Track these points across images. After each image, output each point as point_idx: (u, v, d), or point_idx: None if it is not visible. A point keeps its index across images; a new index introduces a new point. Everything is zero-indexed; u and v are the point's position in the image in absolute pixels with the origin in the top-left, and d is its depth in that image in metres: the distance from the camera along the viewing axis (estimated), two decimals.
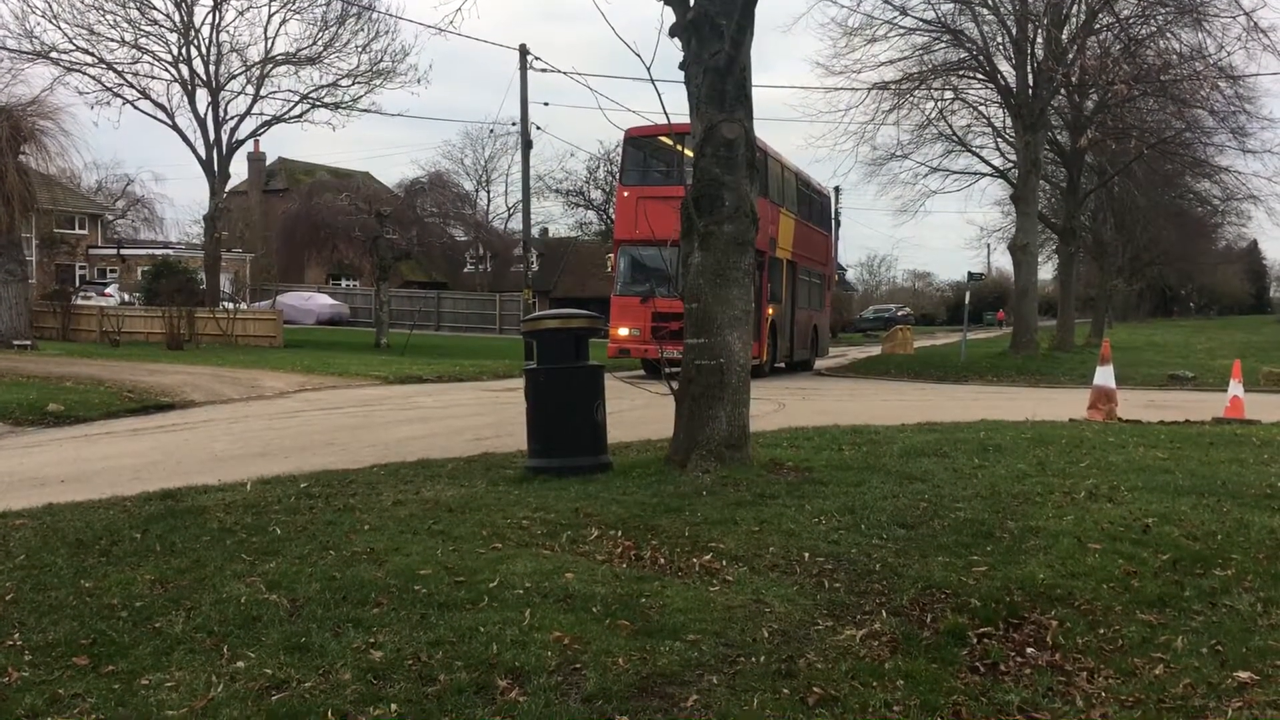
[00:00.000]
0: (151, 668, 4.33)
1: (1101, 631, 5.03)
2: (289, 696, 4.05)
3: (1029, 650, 4.86)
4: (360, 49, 36.85)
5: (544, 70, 55.04)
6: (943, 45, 29.91)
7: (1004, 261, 67.10)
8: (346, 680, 4.19)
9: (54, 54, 34.24)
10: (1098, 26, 28.97)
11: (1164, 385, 23.45)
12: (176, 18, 35.88)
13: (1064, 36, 28.72)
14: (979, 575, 5.70)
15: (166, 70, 36.27)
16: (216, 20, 36.29)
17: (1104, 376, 14.31)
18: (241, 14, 40.46)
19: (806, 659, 4.56)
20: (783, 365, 27.42)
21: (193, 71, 36.41)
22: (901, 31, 28.94)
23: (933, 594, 5.47)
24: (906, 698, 4.23)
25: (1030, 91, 29.15)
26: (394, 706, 3.98)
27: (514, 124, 38.22)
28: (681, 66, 8.72)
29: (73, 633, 4.69)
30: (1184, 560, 5.93)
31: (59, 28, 34.34)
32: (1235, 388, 14.79)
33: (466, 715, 3.94)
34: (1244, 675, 4.48)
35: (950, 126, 32.67)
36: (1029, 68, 29.22)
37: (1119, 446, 9.86)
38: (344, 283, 59.15)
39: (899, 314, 71.25)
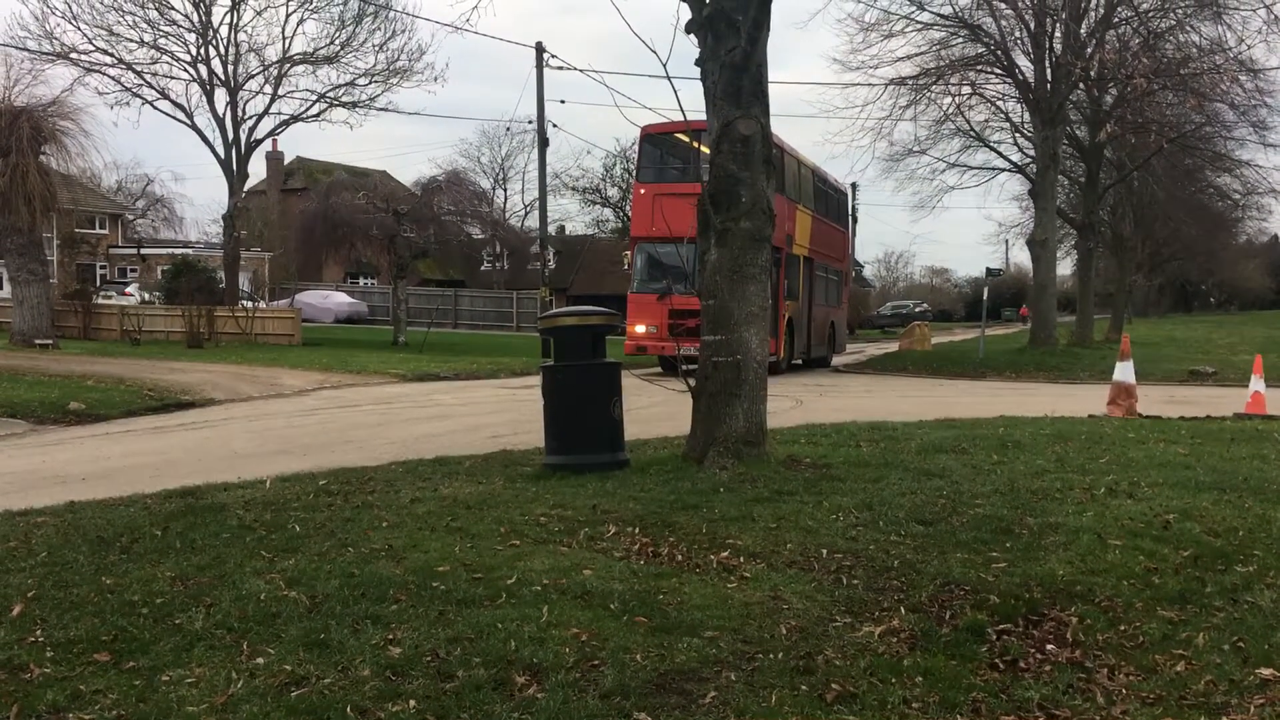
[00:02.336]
0: (172, 664, 4.35)
1: (1122, 628, 5.00)
2: (308, 693, 4.07)
3: (1049, 647, 4.84)
4: (377, 48, 36.93)
5: (560, 68, 55.06)
6: (960, 40, 29.77)
7: (1023, 257, 66.83)
8: (365, 676, 4.20)
9: (74, 55, 34.39)
10: (1117, 20, 28.80)
11: (1184, 381, 23.27)
12: (195, 18, 36.03)
13: (1083, 30, 28.55)
14: (998, 572, 5.68)
15: (185, 70, 36.43)
16: (234, 20, 36.43)
17: (1124, 372, 14.22)
18: (259, 14, 40.36)
19: (825, 655, 4.55)
20: (800, 362, 27.37)
21: (211, 71, 36.55)
22: (919, 27, 28.85)
23: (952, 590, 5.46)
24: (926, 694, 4.22)
25: (1049, 86, 28.98)
26: (412, 703, 3.99)
27: (530, 122, 38.34)
28: (698, 63, 8.71)
29: (94, 629, 4.71)
30: (1205, 556, 5.89)
31: (79, 29, 34.51)
32: (1257, 383, 14.69)
33: (485, 712, 3.95)
34: (1266, 672, 4.45)
35: (968, 122, 32.54)
36: (1047, 62, 29.04)
37: (1139, 442, 9.80)
38: (362, 281, 59.35)
39: (917, 310, 71.03)
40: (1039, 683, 4.44)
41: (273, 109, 37.83)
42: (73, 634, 4.67)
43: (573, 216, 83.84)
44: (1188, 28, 27.99)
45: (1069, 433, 10.47)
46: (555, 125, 42.80)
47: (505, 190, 69.42)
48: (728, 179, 8.42)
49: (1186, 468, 8.31)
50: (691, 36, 8.72)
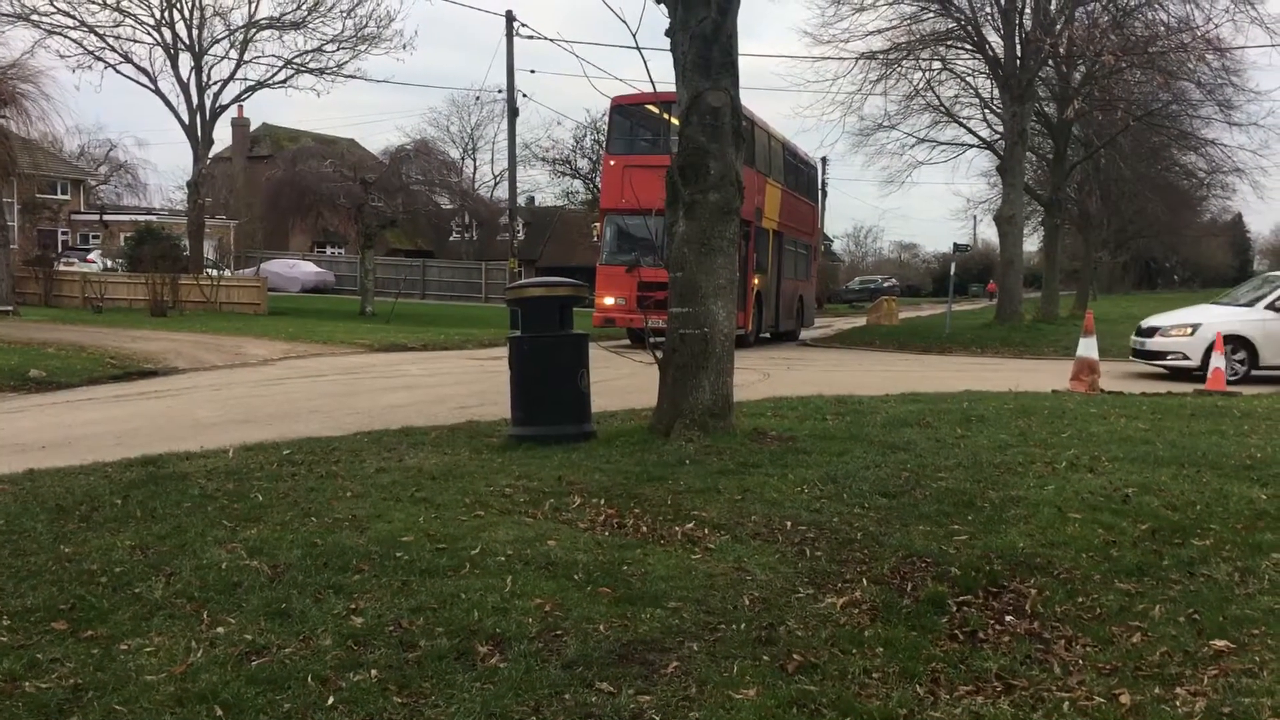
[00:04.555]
0: (131, 633, 4.32)
1: (1080, 600, 5.06)
2: (269, 662, 4.05)
3: (1008, 618, 4.88)
4: (345, 14, 36.49)
5: (531, 37, 54.61)
6: (931, 15, 29.79)
7: (990, 233, 67.18)
8: (327, 646, 4.19)
9: (35, 16, 33.80)
10: None
11: None
12: None
13: (1052, 7, 28.65)
14: (960, 544, 5.73)
15: (149, 34, 35.88)
16: None
17: (1087, 348, 14.38)
18: None
19: (787, 626, 4.57)
20: (768, 335, 27.43)
21: (175, 35, 36.01)
22: (889, 1, 28.82)
23: (913, 562, 5.50)
24: (886, 665, 4.25)
25: (1018, 62, 29.06)
26: (374, 672, 3.98)
27: (500, 91, 38.15)
28: (668, 33, 8.65)
29: (52, 598, 4.67)
30: (1163, 530, 5.96)
31: None
32: (1217, 360, 14.88)
33: (447, 681, 3.95)
34: (1220, 644, 4.52)
35: (938, 97, 32.59)
36: (1017, 38, 29.11)
37: (1101, 417, 9.90)
38: (329, 250, 58.84)
39: (885, 285, 71.35)
40: (997, 653, 4.48)
41: (238, 75, 37.40)
42: (30, 603, 4.63)
43: (542, 187, 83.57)
44: (1156, 6, 28.14)
45: (1032, 407, 10.56)
46: (525, 95, 42.40)
47: (474, 160, 69.04)
48: (696, 151, 8.39)
49: (1146, 443, 8.41)
50: (662, 6, 8.66)
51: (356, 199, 35.56)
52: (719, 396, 8.44)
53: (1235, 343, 16.68)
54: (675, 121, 8.95)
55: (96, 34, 35.00)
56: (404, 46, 47.42)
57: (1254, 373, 16.86)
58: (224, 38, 36.99)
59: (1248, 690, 4.05)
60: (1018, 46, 29.09)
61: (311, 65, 37.21)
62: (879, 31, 29.26)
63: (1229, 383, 15.13)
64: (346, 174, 36.14)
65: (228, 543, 5.42)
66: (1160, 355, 17.79)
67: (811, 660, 4.24)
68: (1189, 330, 17.43)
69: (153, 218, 49.23)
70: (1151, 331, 18.25)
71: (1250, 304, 17.72)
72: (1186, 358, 17.08)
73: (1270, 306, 17.09)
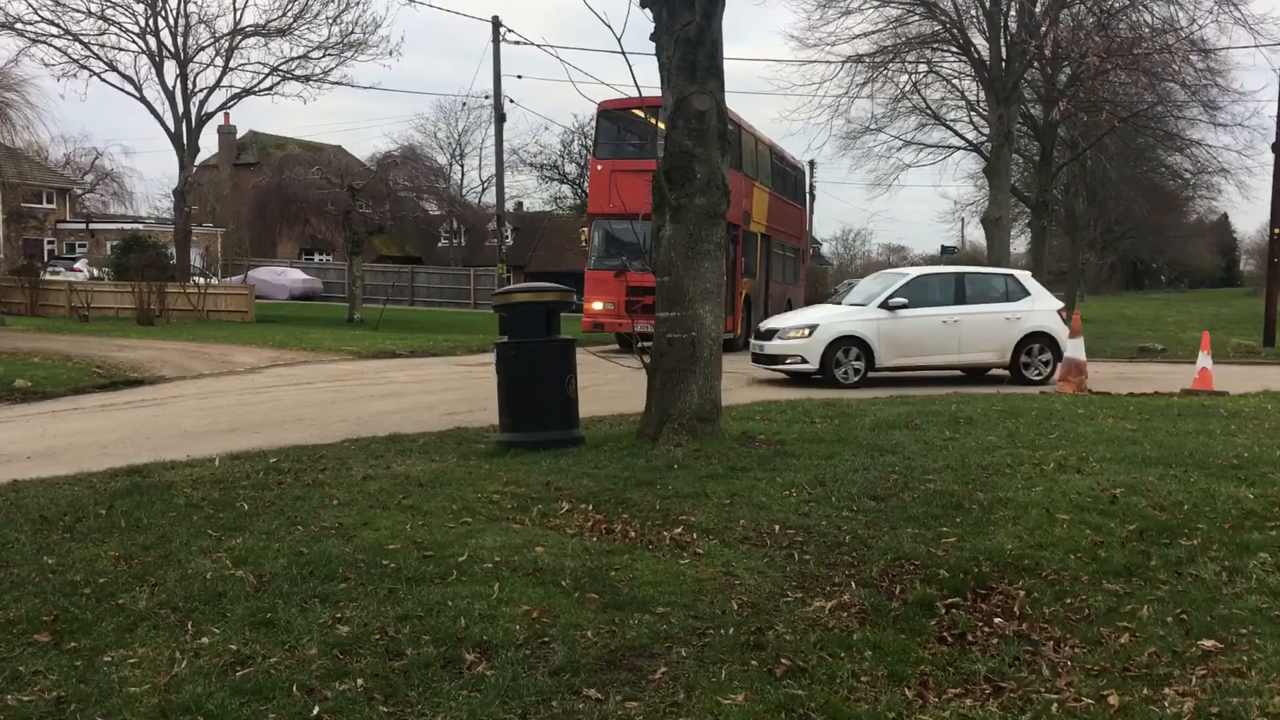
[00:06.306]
0: (114, 644, 4.29)
1: (1068, 601, 5.06)
2: (254, 672, 4.02)
3: (996, 620, 4.89)
4: (331, 20, 36.26)
5: (517, 43, 54.83)
6: (916, 18, 29.84)
7: (977, 235, 67.15)
8: (312, 655, 4.16)
9: (19, 25, 33.58)
10: None
11: (1134, 358, 23.58)
12: None
13: (1037, 9, 28.74)
14: (948, 546, 5.73)
15: (134, 42, 35.63)
16: None
17: (1074, 349, 14.42)
18: None
19: (775, 631, 4.57)
20: None
21: (160, 43, 35.82)
22: (875, 4, 28.87)
23: (902, 565, 5.50)
24: (874, 668, 4.25)
25: (1003, 64, 29.14)
26: (360, 681, 3.95)
27: (487, 97, 38.11)
28: (653, 38, 8.64)
29: (34, 610, 4.63)
30: (1151, 530, 5.97)
31: None
32: (1204, 360, 14.92)
33: (434, 689, 3.93)
34: (1208, 643, 4.53)
35: (924, 100, 32.64)
36: (1002, 40, 29.19)
37: (1088, 418, 9.92)
38: (317, 257, 58.67)
39: None
40: (986, 655, 4.48)
41: (224, 82, 37.08)
42: (12, 614, 4.59)
43: (530, 193, 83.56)
44: (1140, 7, 28.23)
45: (1020, 409, 10.57)
46: (512, 101, 42.20)
47: (462, 166, 68.89)
48: (682, 155, 8.38)
49: (1134, 443, 8.42)
50: (646, 11, 8.65)
51: (344, 206, 35.44)
52: (707, 400, 8.43)
53: (852, 343, 16.12)
54: (662, 126, 8.93)
55: (81, 42, 34.79)
56: (390, 53, 46.78)
57: (871, 374, 16.14)
58: (209, 45, 36.77)
59: (1236, 690, 4.05)
60: (1003, 49, 29.17)
61: (297, 72, 36.94)
62: (865, 35, 29.35)
63: (846, 385, 15.16)
64: (333, 181, 36.01)
65: (213, 552, 5.38)
66: (779, 359, 16.65)
67: (800, 664, 4.23)
68: (806, 332, 16.40)
69: (139, 226, 49.07)
70: (770, 334, 17.00)
71: (865, 303, 16.87)
72: (805, 360, 16.21)
73: (883, 305, 16.33)
